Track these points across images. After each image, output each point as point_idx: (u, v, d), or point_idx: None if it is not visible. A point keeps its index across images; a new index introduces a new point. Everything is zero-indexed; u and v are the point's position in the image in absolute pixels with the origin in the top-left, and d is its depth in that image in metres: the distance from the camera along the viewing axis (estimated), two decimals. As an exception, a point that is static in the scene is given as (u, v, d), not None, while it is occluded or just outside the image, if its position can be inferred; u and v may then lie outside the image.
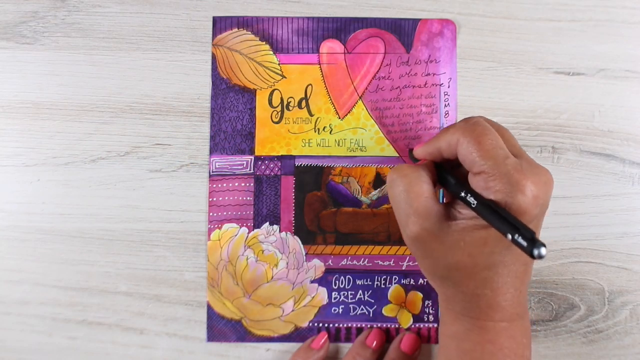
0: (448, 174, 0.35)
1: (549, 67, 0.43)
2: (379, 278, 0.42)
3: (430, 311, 0.42)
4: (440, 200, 0.41)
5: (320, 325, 0.42)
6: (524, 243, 0.27)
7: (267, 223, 0.42)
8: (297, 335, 0.42)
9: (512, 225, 0.28)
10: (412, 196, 0.33)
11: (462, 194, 0.32)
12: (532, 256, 0.26)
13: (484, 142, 0.31)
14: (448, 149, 0.33)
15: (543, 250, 0.26)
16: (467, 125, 0.32)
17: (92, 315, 0.42)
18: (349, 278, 0.42)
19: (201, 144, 0.42)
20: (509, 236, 0.28)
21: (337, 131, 0.42)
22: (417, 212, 0.33)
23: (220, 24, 0.43)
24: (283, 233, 0.42)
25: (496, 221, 0.29)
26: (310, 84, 0.42)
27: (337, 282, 0.42)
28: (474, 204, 0.31)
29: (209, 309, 0.42)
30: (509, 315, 0.33)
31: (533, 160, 0.32)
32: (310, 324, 0.42)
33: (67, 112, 0.42)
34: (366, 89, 0.43)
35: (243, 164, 0.42)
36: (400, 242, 0.42)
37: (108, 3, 0.43)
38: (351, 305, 0.42)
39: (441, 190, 0.41)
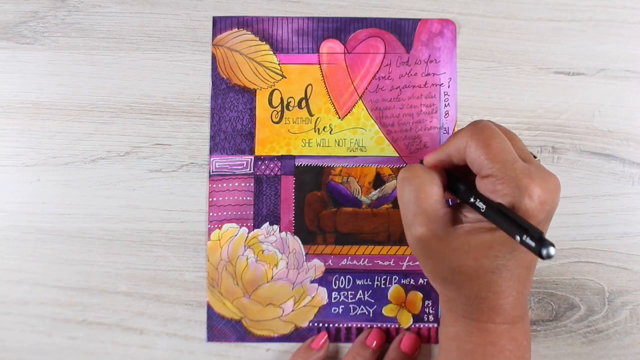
0: (458, 181, 0.35)
1: (549, 67, 0.43)
2: (379, 278, 0.42)
3: (430, 311, 0.42)
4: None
5: (320, 325, 0.42)
6: (532, 243, 0.27)
7: (267, 223, 0.42)
8: (297, 335, 0.42)
9: (521, 226, 0.28)
10: (421, 197, 0.33)
11: (471, 200, 0.32)
12: (541, 256, 0.26)
13: (492, 145, 0.31)
14: (457, 154, 0.33)
15: (552, 250, 0.26)
16: (475, 129, 0.32)
17: (92, 315, 0.42)
18: (349, 278, 0.42)
19: (201, 144, 0.42)
20: (518, 238, 0.28)
21: (337, 131, 0.42)
22: (424, 213, 0.33)
23: (220, 24, 0.43)
24: (283, 233, 0.42)
25: (504, 224, 0.29)
26: (310, 84, 0.42)
27: (337, 282, 0.42)
28: (482, 209, 0.31)
29: (209, 309, 0.42)
30: (511, 318, 0.33)
31: (541, 166, 0.32)
32: (310, 324, 0.42)
33: (67, 112, 0.42)
34: (366, 89, 0.43)
35: (243, 164, 0.42)
36: (400, 242, 0.42)
37: (108, 3, 0.43)
38: (351, 305, 0.42)
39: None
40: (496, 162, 0.31)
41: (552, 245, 0.26)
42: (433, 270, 0.34)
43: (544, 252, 0.26)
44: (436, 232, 0.32)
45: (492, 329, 0.33)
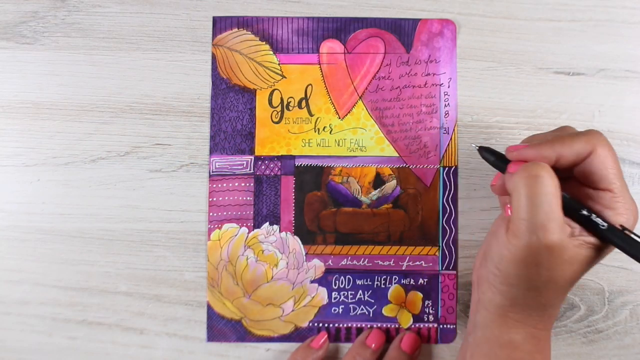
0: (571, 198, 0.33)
1: (549, 67, 0.43)
2: (379, 278, 0.42)
3: (430, 311, 0.42)
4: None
5: (320, 325, 0.42)
6: None
7: (267, 223, 0.42)
8: (297, 335, 0.42)
9: None
10: (558, 202, 0.30)
11: (585, 212, 0.31)
12: None
13: (617, 160, 0.32)
14: (573, 157, 0.31)
15: None
16: (603, 138, 0.32)
17: (92, 315, 0.42)
18: (349, 278, 0.42)
19: (201, 144, 0.42)
20: None
21: (337, 131, 0.42)
22: (559, 219, 0.30)
23: (220, 24, 0.43)
24: (283, 233, 0.42)
25: (626, 244, 0.30)
26: (310, 84, 0.42)
27: (337, 282, 0.42)
28: (603, 226, 0.31)
29: (209, 309, 0.42)
30: (552, 325, 0.35)
31: None
32: (310, 324, 0.42)
33: (67, 112, 0.42)
34: (366, 89, 0.43)
35: (243, 164, 0.42)
36: (400, 242, 0.42)
37: (108, 3, 0.43)
38: (351, 305, 0.42)
39: None
40: (619, 179, 0.31)
41: None
42: (524, 277, 0.32)
43: None
44: (562, 241, 0.31)
45: (543, 336, 0.34)
